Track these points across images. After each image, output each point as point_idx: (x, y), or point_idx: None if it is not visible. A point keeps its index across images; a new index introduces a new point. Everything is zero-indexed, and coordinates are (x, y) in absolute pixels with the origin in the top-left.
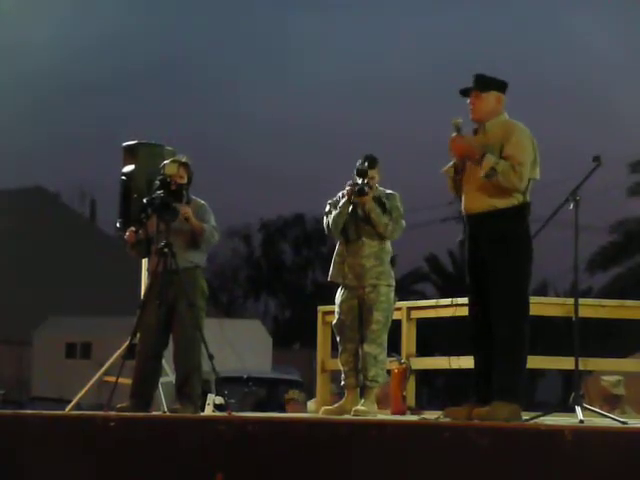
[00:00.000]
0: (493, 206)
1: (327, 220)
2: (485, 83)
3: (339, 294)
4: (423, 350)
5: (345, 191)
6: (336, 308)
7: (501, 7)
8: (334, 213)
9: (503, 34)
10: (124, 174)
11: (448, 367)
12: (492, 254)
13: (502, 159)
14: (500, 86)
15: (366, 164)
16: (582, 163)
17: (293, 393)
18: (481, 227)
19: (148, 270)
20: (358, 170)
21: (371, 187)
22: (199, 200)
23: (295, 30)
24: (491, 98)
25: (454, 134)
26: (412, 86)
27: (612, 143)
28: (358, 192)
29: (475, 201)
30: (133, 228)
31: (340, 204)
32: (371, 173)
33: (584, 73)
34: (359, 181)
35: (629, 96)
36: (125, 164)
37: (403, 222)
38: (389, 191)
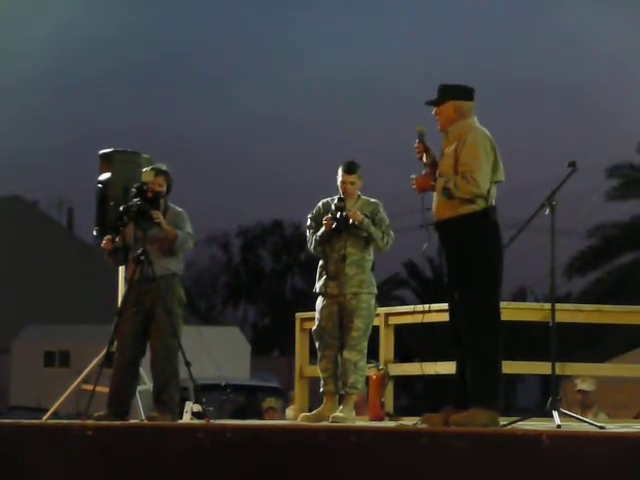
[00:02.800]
0: (456, 213)
1: (309, 238)
2: (444, 94)
3: (320, 300)
4: (403, 356)
5: (324, 221)
6: (316, 314)
7: (502, 7)
8: (315, 238)
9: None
10: (100, 182)
11: (426, 373)
12: (458, 260)
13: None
14: (459, 94)
15: (341, 199)
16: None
17: (270, 402)
18: (447, 234)
19: (125, 278)
20: (335, 205)
21: (348, 223)
22: (177, 208)
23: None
24: (447, 108)
25: (416, 141)
26: (400, 90)
27: (599, 147)
28: (335, 230)
29: (440, 208)
30: (110, 236)
31: (319, 234)
32: (351, 178)
33: (579, 74)
34: (337, 215)
35: (620, 98)
36: (101, 172)
37: (392, 232)
38: (372, 200)
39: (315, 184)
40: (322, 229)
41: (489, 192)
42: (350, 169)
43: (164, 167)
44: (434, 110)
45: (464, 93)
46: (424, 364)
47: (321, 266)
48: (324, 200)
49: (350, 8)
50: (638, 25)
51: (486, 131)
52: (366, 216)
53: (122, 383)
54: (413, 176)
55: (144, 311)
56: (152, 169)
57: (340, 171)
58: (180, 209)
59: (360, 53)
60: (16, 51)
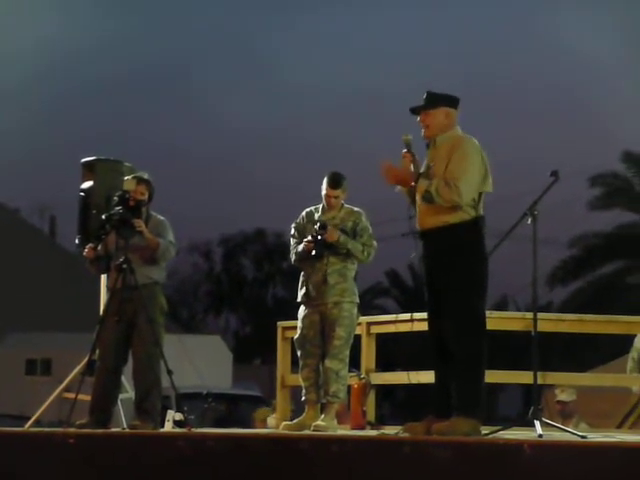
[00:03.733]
0: (444, 222)
1: (292, 248)
2: (434, 99)
3: (302, 309)
4: (385, 365)
5: (302, 245)
6: (298, 323)
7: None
8: (297, 251)
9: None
10: (83, 190)
11: (408, 382)
12: (444, 269)
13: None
14: (449, 101)
15: (322, 226)
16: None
17: (266, 412)
18: (434, 243)
19: (107, 286)
20: (315, 231)
21: (327, 245)
22: (159, 216)
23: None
24: (440, 114)
25: (404, 151)
26: (385, 97)
27: (582, 155)
28: (315, 256)
29: (427, 217)
30: (92, 245)
31: (300, 251)
32: (336, 193)
33: (563, 81)
34: (318, 237)
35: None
36: (84, 180)
37: (374, 242)
38: (356, 209)
39: (299, 193)
40: (302, 246)
41: (479, 202)
42: (335, 184)
43: (146, 176)
44: (419, 117)
45: (453, 101)
46: (407, 373)
47: (303, 275)
48: (307, 209)
49: (350, 8)
50: (624, 32)
51: (475, 141)
52: (344, 231)
53: (104, 391)
54: (384, 161)
55: (126, 319)
56: (134, 177)
57: (324, 184)
58: (162, 217)
59: (346, 59)
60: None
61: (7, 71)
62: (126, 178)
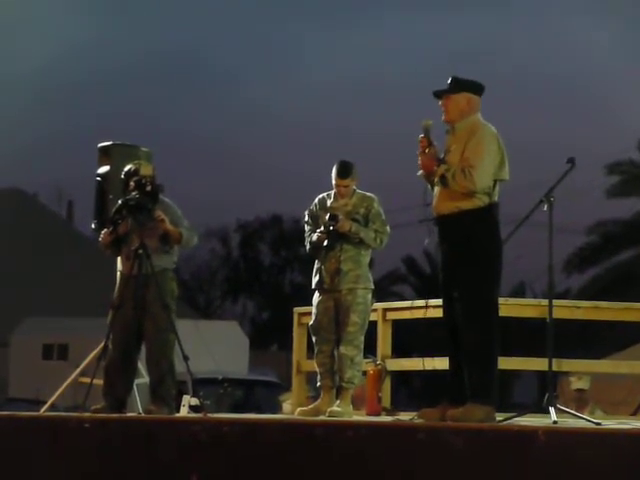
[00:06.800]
0: (458, 207)
1: (306, 235)
2: (457, 84)
3: (316, 295)
4: (401, 351)
5: (315, 237)
6: (313, 309)
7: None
8: (310, 240)
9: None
10: (99, 175)
11: (423, 368)
12: (458, 255)
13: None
14: (473, 87)
15: (332, 217)
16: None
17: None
18: (448, 229)
19: (121, 272)
20: (326, 222)
21: (339, 235)
22: (166, 199)
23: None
24: (462, 99)
25: (421, 136)
26: (404, 85)
27: (599, 143)
28: (327, 247)
29: (442, 203)
30: (107, 230)
31: (314, 240)
32: (345, 182)
33: (579, 70)
34: (330, 228)
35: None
36: (100, 165)
37: (387, 228)
38: (368, 194)
39: (315, 178)
40: (315, 236)
41: (494, 189)
42: (344, 173)
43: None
44: (442, 101)
45: (477, 88)
46: (422, 359)
47: (317, 262)
48: (320, 196)
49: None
50: (638, 23)
51: (493, 129)
52: (355, 220)
53: (115, 376)
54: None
55: (140, 305)
56: (149, 163)
57: (334, 173)
58: (169, 201)
59: (359, 49)
60: (15, 44)
61: (24, 58)
62: (142, 163)
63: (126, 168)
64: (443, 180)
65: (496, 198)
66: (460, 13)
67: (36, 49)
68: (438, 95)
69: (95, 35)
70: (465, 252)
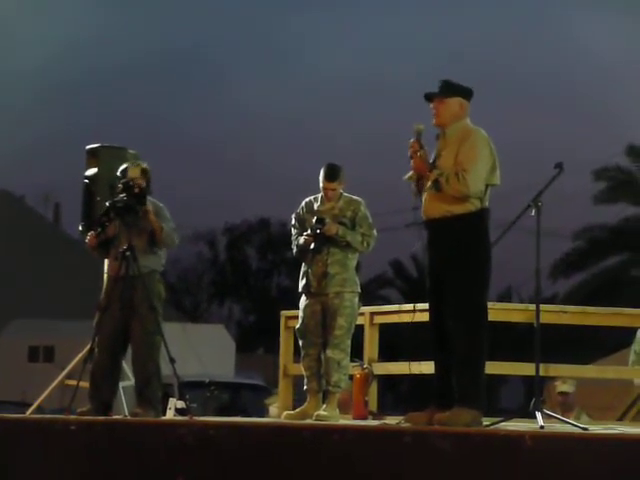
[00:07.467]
0: (449, 212)
1: (293, 239)
2: (451, 88)
3: (303, 299)
4: (387, 355)
5: (302, 240)
6: (300, 313)
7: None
8: (297, 244)
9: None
10: (87, 177)
11: (410, 372)
12: (448, 259)
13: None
14: (464, 92)
15: (319, 220)
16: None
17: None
18: (438, 233)
19: (107, 273)
20: (313, 225)
21: (326, 238)
22: (157, 202)
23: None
24: (454, 103)
25: (412, 140)
26: (391, 87)
27: (587, 148)
28: (314, 250)
29: (432, 207)
30: (94, 232)
31: (300, 243)
32: (332, 186)
33: (568, 74)
34: (317, 231)
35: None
36: (88, 167)
37: (374, 231)
38: (355, 198)
39: (302, 182)
40: (302, 239)
41: (485, 194)
42: (331, 176)
43: (145, 164)
44: (433, 104)
45: (468, 92)
46: (409, 363)
47: (304, 266)
48: (307, 199)
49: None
50: (631, 28)
51: (484, 133)
52: (342, 223)
53: (101, 379)
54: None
55: (127, 307)
56: (138, 165)
57: (321, 176)
58: (160, 204)
59: (349, 49)
60: (16, 47)
61: (9, 61)
62: (124, 165)
63: (120, 169)
64: (436, 185)
65: (487, 203)
66: (460, 13)
67: (36, 48)
68: (429, 98)
69: (95, 34)
70: (455, 256)
